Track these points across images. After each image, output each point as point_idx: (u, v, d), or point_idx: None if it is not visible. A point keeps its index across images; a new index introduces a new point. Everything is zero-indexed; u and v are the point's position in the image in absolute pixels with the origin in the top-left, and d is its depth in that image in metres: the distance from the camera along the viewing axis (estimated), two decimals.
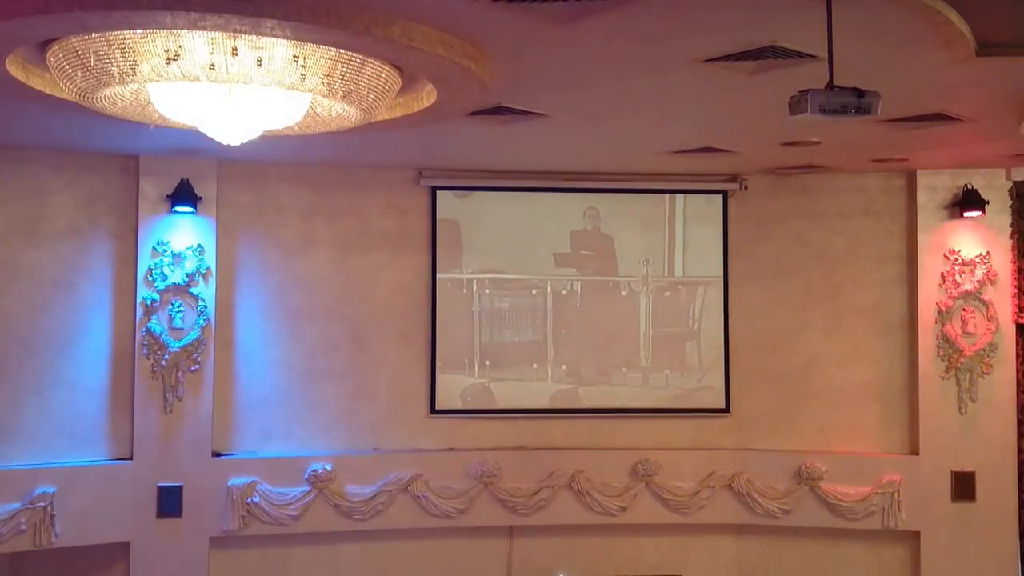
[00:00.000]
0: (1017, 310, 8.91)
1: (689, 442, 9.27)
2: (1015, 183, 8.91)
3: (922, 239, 8.99)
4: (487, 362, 9.20)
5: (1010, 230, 8.93)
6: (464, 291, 9.19)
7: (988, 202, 8.83)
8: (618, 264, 9.32)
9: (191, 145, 7.41)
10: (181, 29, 4.48)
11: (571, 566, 9.15)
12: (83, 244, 8.40)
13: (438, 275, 9.10)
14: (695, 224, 9.37)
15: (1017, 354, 8.93)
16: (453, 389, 9.12)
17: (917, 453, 8.96)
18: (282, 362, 8.87)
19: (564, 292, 9.30)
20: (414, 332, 9.09)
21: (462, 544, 9.05)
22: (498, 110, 6.48)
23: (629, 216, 9.33)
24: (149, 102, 5.29)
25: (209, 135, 5.37)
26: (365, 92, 5.17)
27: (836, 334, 9.26)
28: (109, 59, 4.71)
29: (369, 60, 4.97)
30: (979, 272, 8.90)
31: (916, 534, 8.94)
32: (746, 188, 9.25)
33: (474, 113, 6.43)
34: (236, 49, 4.63)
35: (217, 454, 8.60)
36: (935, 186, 8.97)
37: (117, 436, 8.42)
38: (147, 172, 8.41)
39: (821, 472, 8.99)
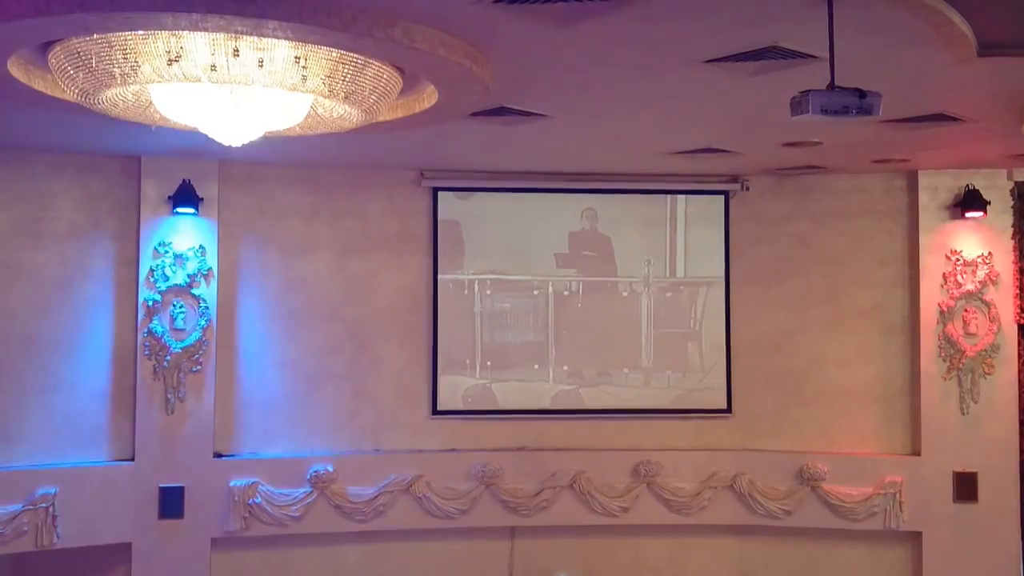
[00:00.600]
0: (1019, 310, 8.90)
1: (690, 443, 9.27)
2: (1017, 183, 8.91)
3: (923, 240, 8.99)
4: (488, 363, 9.20)
5: (1012, 230, 8.93)
6: (465, 292, 9.19)
7: (990, 202, 8.83)
8: (616, 265, 9.32)
9: (192, 146, 7.42)
10: (183, 30, 4.49)
11: (573, 567, 9.15)
12: (85, 245, 8.41)
13: (439, 276, 9.10)
14: (696, 225, 9.36)
15: (1019, 354, 8.93)
16: (455, 390, 9.12)
17: (919, 454, 8.95)
18: (284, 363, 8.88)
19: (565, 293, 9.30)
20: (415, 333, 9.09)
21: (464, 545, 9.05)
22: (499, 111, 6.48)
23: (629, 217, 9.33)
24: (151, 103, 5.30)
25: (211, 136, 5.38)
26: (366, 93, 5.18)
27: (837, 335, 9.26)
28: (111, 60, 4.71)
29: (370, 61, 4.98)
30: (981, 273, 8.90)
31: (918, 535, 8.94)
32: (747, 189, 9.25)
33: (475, 114, 6.43)
34: (237, 50, 4.63)
35: (219, 455, 8.60)
36: (936, 186, 8.96)
37: (119, 437, 8.43)
38: (148, 173, 8.42)
39: (823, 473, 8.98)
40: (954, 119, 6.74)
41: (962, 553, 8.81)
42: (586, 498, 9.02)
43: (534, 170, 9.06)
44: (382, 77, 5.13)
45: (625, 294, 9.37)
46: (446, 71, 5.15)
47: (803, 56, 5.14)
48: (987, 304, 8.90)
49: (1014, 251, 8.93)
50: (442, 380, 9.09)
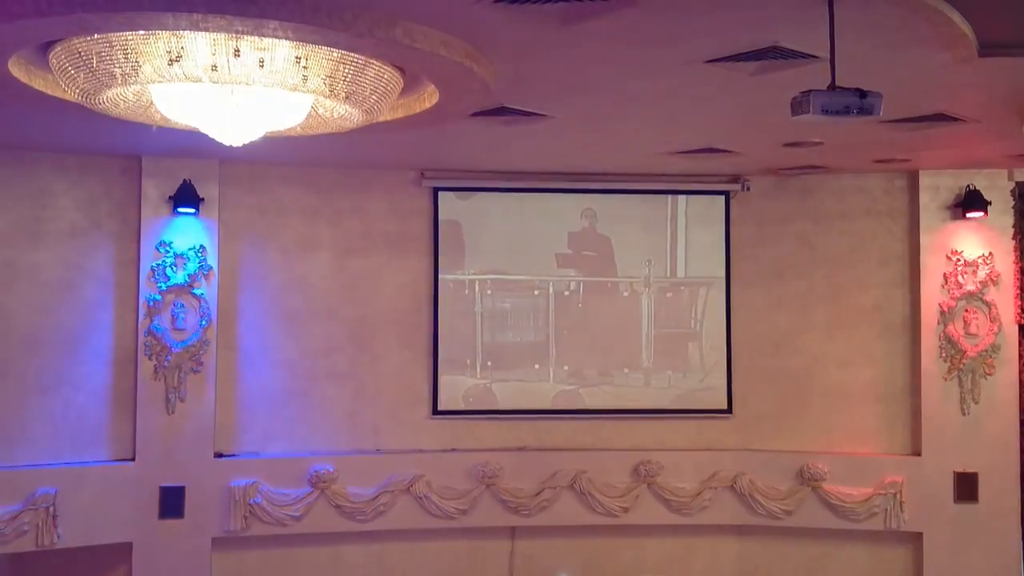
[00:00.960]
0: (1019, 311, 8.90)
1: (691, 443, 9.27)
2: (1018, 184, 8.91)
3: (924, 240, 8.99)
4: (489, 363, 9.20)
5: (1012, 231, 8.93)
6: (466, 292, 9.19)
7: (990, 203, 8.83)
8: (617, 265, 9.32)
9: (193, 146, 7.40)
10: (183, 30, 4.49)
11: (573, 567, 9.15)
12: (85, 245, 8.41)
13: (440, 276, 9.10)
14: (697, 225, 9.36)
15: (1020, 355, 8.93)
16: (455, 390, 9.13)
17: (919, 454, 8.95)
18: (284, 363, 8.88)
19: (566, 293, 9.31)
20: (416, 333, 9.10)
21: (464, 545, 9.06)
22: (500, 111, 6.48)
23: (630, 217, 9.33)
24: (151, 103, 5.30)
25: (211, 136, 5.38)
26: (367, 93, 5.18)
27: (838, 335, 9.26)
28: (111, 60, 4.71)
29: (371, 61, 4.98)
30: (981, 273, 8.90)
31: (919, 535, 8.94)
32: (748, 189, 9.24)
33: (476, 114, 6.42)
34: (238, 50, 4.63)
35: (219, 455, 8.60)
36: (937, 187, 8.96)
37: (119, 437, 8.43)
38: (149, 173, 8.42)
39: (823, 473, 8.98)
40: (955, 119, 6.74)
41: (963, 553, 8.81)
42: (587, 498, 9.02)
43: (535, 170, 9.06)
44: (383, 77, 5.13)
45: (626, 294, 9.37)
46: (447, 71, 5.15)
47: (804, 56, 5.14)
48: (988, 304, 8.90)
49: (1015, 251, 8.93)
50: (443, 380, 9.09)
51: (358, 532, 8.80)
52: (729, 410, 9.31)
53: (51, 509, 7.98)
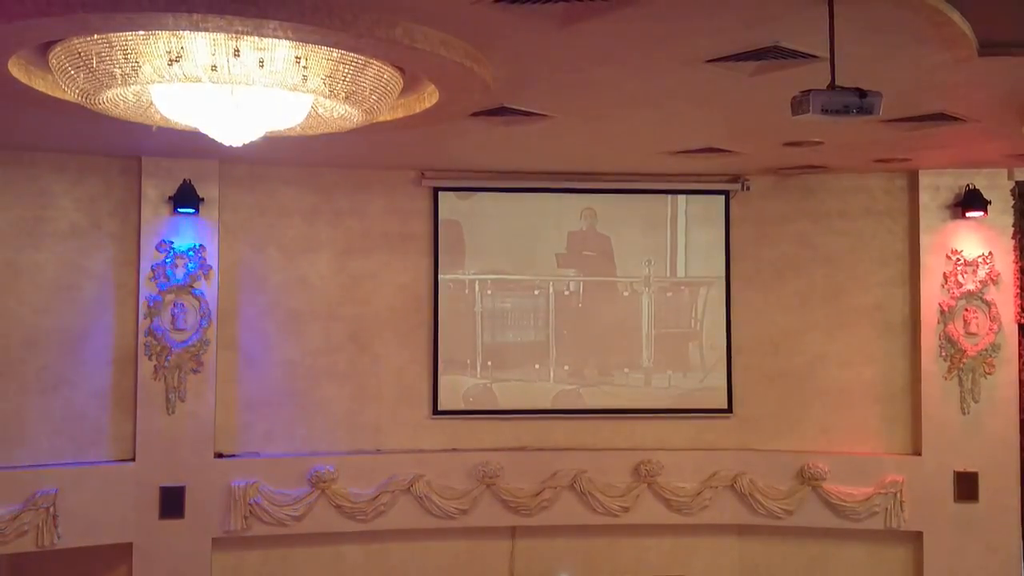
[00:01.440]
0: (1019, 310, 8.90)
1: (691, 442, 9.27)
2: (1017, 183, 8.92)
3: (924, 239, 8.99)
4: (489, 363, 9.20)
5: (1012, 230, 8.93)
6: (466, 292, 9.19)
7: (990, 202, 8.83)
8: (617, 264, 9.33)
9: (193, 146, 7.40)
10: (183, 30, 4.49)
11: (573, 567, 9.15)
12: (86, 245, 8.41)
13: (440, 276, 9.11)
14: (697, 225, 9.37)
15: (1020, 354, 8.93)
16: (455, 390, 9.13)
17: (920, 453, 8.95)
18: (284, 363, 8.88)
19: (566, 293, 9.31)
20: (416, 333, 9.10)
21: (464, 545, 9.06)
22: (500, 111, 6.48)
23: (630, 216, 9.33)
24: (151, 103, 5.30)
25: (211, 136, 5.38)
26: (367, 93, 5.18)
27: (838, 334, 9.26)
28: (111, 60, 4.71)
29: (371, 61, 4.98)
30: (981, 272, 8.90)
31: (919, 534, 8.94)
32: (748, 188, 9.25)
33: (476, 114, 6.43)
34: (238, 50, 4.63)
35: (219, 455, 8.60)
36: (937, 186, 8.96)
37: (119, 437, 8.43)
38: (149, 173, 8.43)
39: (823, 472, 8.98)
40: (955, 119, 6.74)
41: (963, 553, 8.81)
42: (587, 498, 9.02)
43: (535, 170, 9.06)
44: (383, 77, 5.13)
45: (626, 294, 9.37)
46: (447, 71, 5.15)
47: (804, 56, 5.13)
48: (988, 304, 8.90)
49: (1014, 251, 8.93)
50: (443, 380, 9.09)
51: (358, 532, 8.80)
52: (729, 410, 9.31)
53: (51, 509, 7.99)
